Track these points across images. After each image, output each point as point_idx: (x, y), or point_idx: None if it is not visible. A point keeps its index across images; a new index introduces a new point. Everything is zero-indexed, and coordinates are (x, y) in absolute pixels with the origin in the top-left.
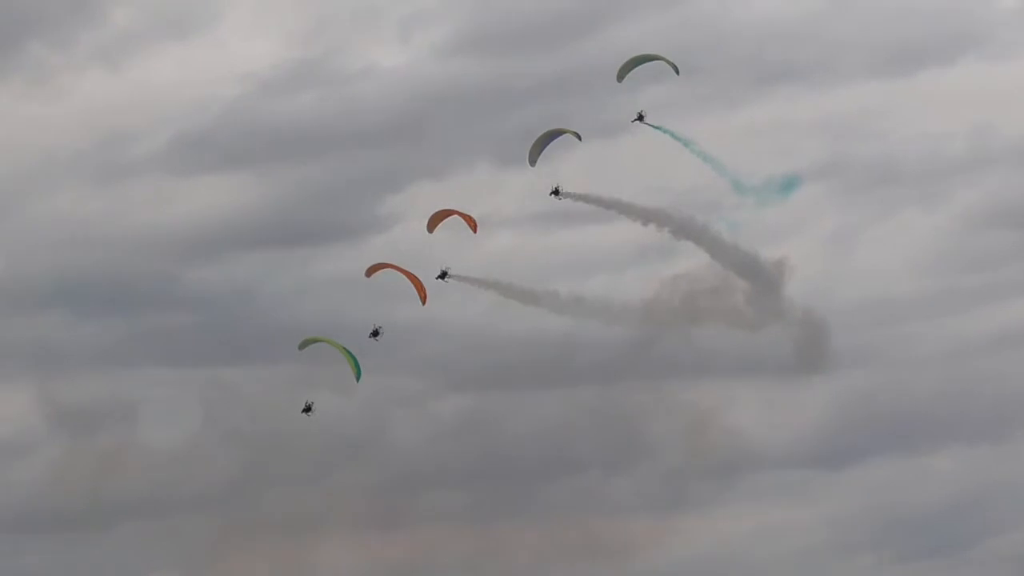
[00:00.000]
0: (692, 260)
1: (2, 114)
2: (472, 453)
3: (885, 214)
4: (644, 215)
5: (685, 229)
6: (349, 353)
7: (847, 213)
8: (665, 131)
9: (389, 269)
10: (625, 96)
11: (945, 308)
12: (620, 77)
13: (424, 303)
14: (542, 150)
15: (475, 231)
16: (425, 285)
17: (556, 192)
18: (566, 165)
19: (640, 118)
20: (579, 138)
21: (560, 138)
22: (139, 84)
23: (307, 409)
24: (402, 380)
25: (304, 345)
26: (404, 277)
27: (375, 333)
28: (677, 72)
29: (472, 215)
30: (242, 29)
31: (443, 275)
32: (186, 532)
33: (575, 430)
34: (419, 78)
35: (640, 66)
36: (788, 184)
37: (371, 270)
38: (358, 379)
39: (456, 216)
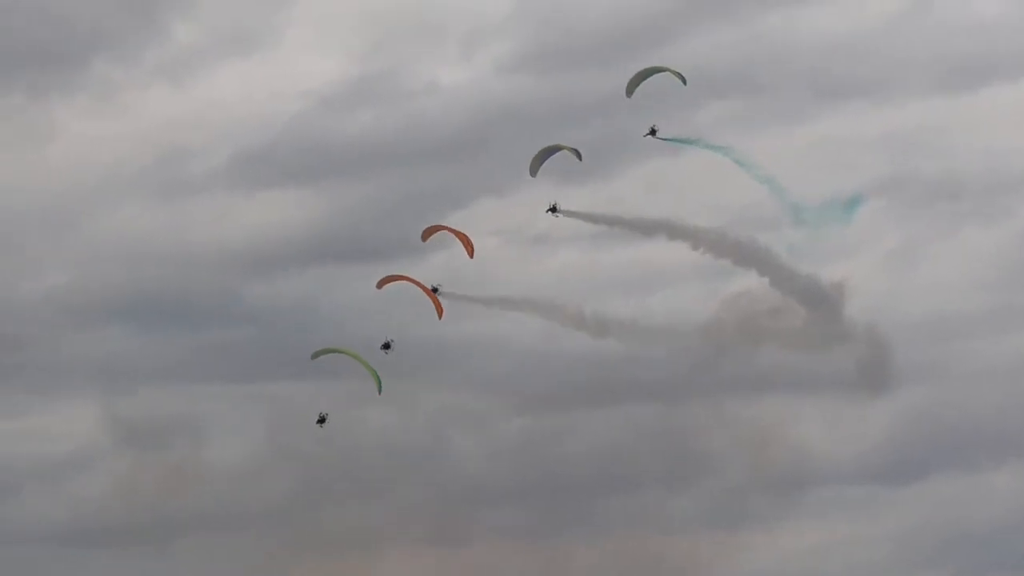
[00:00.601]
0: (752, 278)
1: (67, 131)
2: (533, 470)
3: (947, 230)
4: (648, 229)
5: (729, 252)
6: (368, 365)
7: (909, 229)
8: (678, 142)
9: (403, 282)
10: (685, 113)
11: (1007, 324)
12: (629, 92)
13: (440, 317)
14: (542, 163)
15: (471, 255)
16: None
17: (553, 209)
18: (624, 181)
19: (652, 132)
20: (579, 157)
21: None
22: (201, 101)
23: (321, 420)
24: (463, 397)
25: (317, 355)
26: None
27: (386, 346)
28: (684, 82)
29: (471, 238)
30: (304, 46)
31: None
32: (248, 547)
33: (636, 447)
34: (481, 95)
35: (648, 79)
36: (850, 205)
37: (383, 282)
38: (379, 390)
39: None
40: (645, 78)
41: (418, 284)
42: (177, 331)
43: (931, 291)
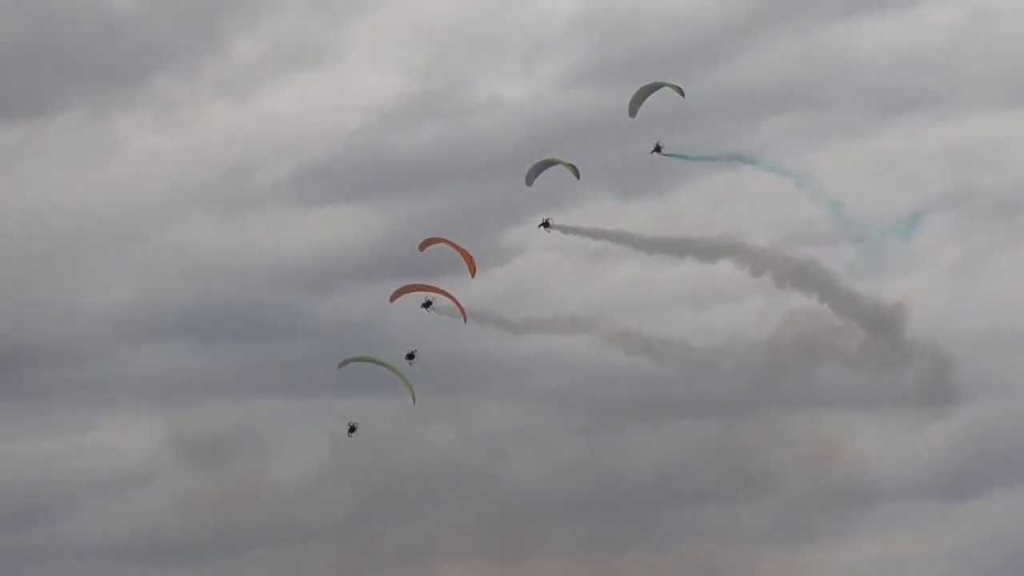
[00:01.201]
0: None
1: (130, 145)
2: (592, 484)
3: (1009, 244)
4: (654, 247)
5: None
6: (402, 374)
7: (970, 243)
8: (683, 159)
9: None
10: (744, 126)
11: None
12: (632, 112)
13: (472, 275)
14: (537, 175)
15: (473, 275)
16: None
17: (546, 224)
18: (685, 195)
19: (657, 149)
20: (576, 174)
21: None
22: (263, 116)
23: (351, 429)
24: (523, 412)
25: (346, 363)
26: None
27: (410, 356)
28: (683, 95)
29: (472, 255)
30: (365, 62)
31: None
32: (309, 562)
33: (695, 462)
34: (541, 109)
35: (649, 97)
36: (911, 223)
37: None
38: (414, 401)
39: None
40: (646, 96)
41: (440, 292)
42: (238, 345)
43: (993, 305)
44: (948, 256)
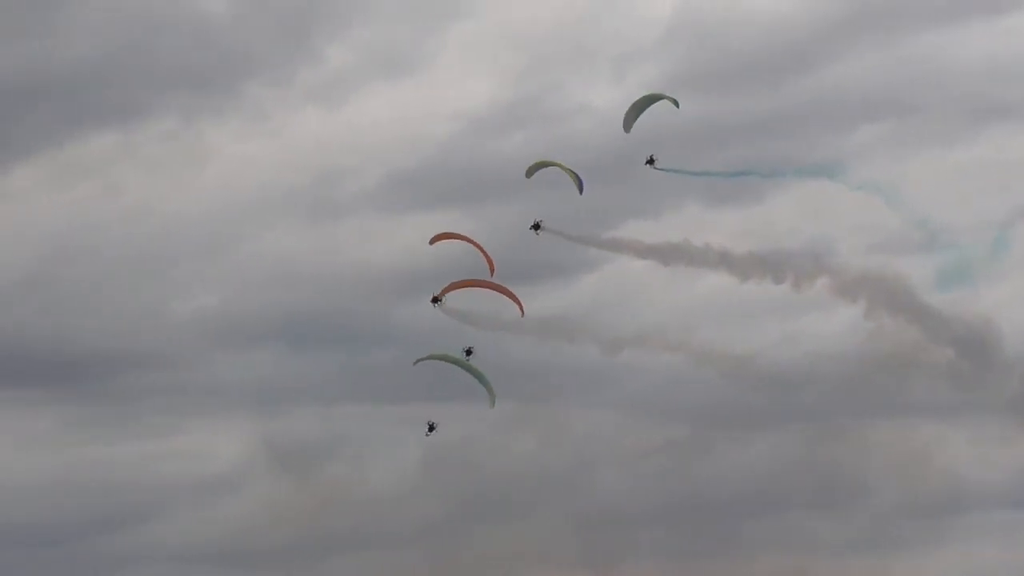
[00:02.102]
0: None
1: (221, 152)
2: (678, 492)
3: None
4: (646, 253)
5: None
6: (481, 375)
7: None
8: (678, 173)
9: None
10: (834, 137)
11: None
12: (627, 127)
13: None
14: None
15: (492, 273)
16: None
17: (536, 227)
18: (776, 205)
19: (650, 162)
20: (676, 104)
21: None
22: (353, 123)
23: (431, 428)
24: (609, 419)
25: (420, 361)
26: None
27: (468, 351)
28: (677, 106)
29: (491, 256)
30: (455, 69)
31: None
32: (394, 568)
33: (782, 470)
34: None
35: (644, 111)
36: (998, 241)
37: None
38: (492, 403)
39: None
40: (642, 110)
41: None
42: (326, 352)
43: None
44: None
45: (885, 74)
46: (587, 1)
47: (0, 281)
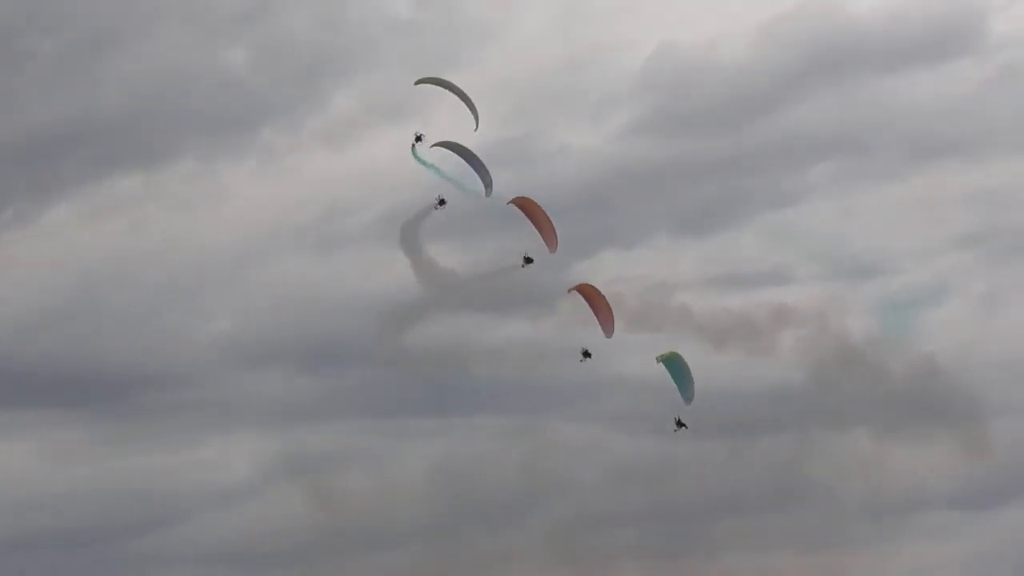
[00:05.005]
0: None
1: (237, 191)
2: (654, 495)
3: None
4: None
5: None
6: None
7: (996, 280)
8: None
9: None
10: (791, 173)
11: None
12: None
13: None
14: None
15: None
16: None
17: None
18: (744, 235)
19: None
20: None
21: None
22: (357, 163)
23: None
24: (594, 428)
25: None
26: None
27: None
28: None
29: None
30: (450, 112)
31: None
32: (385, 570)
33: (746, 474)
34: (609, 156)
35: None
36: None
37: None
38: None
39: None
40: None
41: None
42: (332, 372)
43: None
44: (974, 291)
45: (838, 116)
46: (570, 52)
47: (38, 309)
